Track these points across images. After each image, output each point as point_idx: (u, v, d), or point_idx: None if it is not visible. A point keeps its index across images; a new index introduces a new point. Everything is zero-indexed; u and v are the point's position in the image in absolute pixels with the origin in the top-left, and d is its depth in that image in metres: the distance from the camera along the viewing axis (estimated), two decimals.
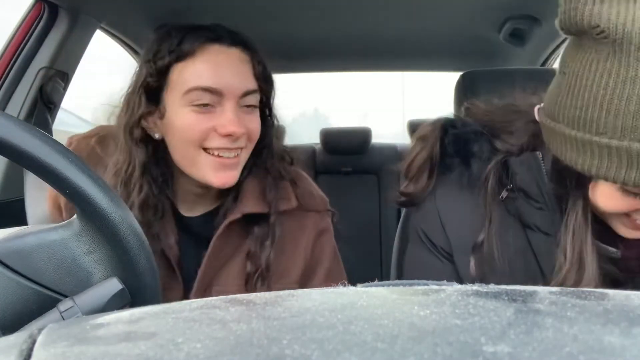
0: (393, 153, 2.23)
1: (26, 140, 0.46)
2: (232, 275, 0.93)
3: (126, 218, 0.50)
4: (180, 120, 0.88)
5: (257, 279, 0.92)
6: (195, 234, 0.96)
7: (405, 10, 1.61)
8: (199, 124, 0.87)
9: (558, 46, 1.81)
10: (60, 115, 1.50)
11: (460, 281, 0.45)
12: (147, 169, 0.91)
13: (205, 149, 0.88)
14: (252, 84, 0.91)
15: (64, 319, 0.47)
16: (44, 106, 1.37)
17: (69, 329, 0.29)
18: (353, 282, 0.43)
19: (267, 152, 0.98)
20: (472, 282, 0.38)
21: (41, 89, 1.34)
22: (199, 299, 0.34)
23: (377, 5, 1.56)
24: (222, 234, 0.92)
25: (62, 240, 0.51)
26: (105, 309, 0.49)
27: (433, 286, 0.36)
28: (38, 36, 1.34)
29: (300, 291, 0.34)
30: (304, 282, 0.97)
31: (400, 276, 1.16)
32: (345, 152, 2.45)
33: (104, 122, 1.01)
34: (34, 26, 1.34)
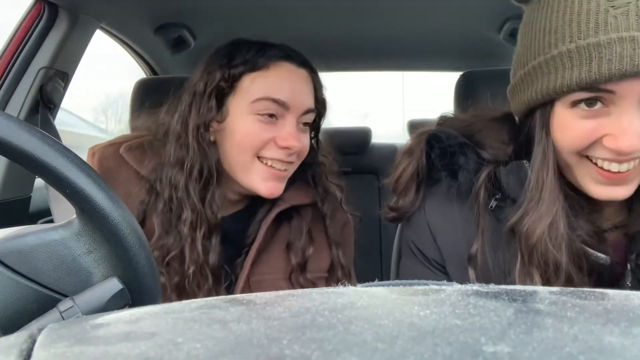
0: (393, 153, 2.21)
1: (26, 140, 0.45)
2: (270, 266, 0.98)
3: (126, 217, 0.50)
4: (242, 127, 0.92)
5: (298, 270, 0.98)
6: (224, 233, 0.98)
7: (405, 10, 1.61)
8: (261, 133, 0.91)
9: None
10: (60, 115, 1.50)
11: None
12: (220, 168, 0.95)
13: (259, 158, 0.92)
14: (312, 104, 0.97)
15: (64, 319, 0.47)
16: (44, 106, 1.37)
17: (69, 329, 0.29)
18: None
19: (315, 168, 1.04)
20: None
21: (41, 89, 1.34)
22: (198, 299, 0.34)
23: (376, 6, 1.56)
24: (269, 226, 0.97)
25: (62, 240, 0.51)
26: (105, 309, 0.49)
27: (433, 286, 0.36)
28: (38, 36, 1.34)
29: (300, 291, 0.34)
30: (331, 273, 1.02)
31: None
32: (345, 152, 2.44)
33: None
34: (34, 26, 1.34)
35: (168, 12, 1.64)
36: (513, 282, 0.73)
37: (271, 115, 0.91)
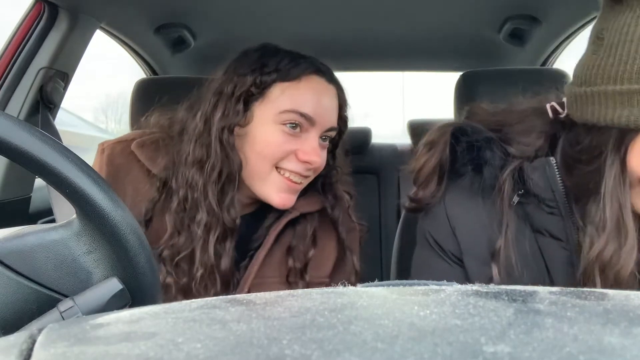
0: (393, 153, 2.22)
1: (26, 140, 0.45)
2: (272, 269, 0.98)
3: (126, 217, 0.50)
4: (265, 135, 0.91)
5: (298, 273, 0.98)
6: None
7: (405, 10, 1.61)
8: (284, 144, 0.91)
9: (558, 46, 1.81)
10: (60, 115, 1.50)
11: None
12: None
13: (277, 168, 0.92)
14: (336, 121, 0.97)
15: (64, 319, 0.47)
16: (44, 106, 1.37)
17: (69, 329, 0.29)
18: None
19: (326, 178, 1.03)
20: None
21: (41, 89, 1.34)
22: (199, 299, 0.34)
23: (376, 6, 1.56)
24: (277, 231, 0.97)
25: (62, 240, 0.51)
26: (105, 309, 0.49)
27: (433, 286, 0.36)
28: (38, 36, 1.34)
29: (300, 291, 0.34)
30: (333, 276, 1.02)
31: (401, 277, 1.15)
32: (346, 152, 2.43)
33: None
34: (34, 26, 1.34)
35: (168, 12, 1.64)
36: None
37: (295, 127, 0.91)
